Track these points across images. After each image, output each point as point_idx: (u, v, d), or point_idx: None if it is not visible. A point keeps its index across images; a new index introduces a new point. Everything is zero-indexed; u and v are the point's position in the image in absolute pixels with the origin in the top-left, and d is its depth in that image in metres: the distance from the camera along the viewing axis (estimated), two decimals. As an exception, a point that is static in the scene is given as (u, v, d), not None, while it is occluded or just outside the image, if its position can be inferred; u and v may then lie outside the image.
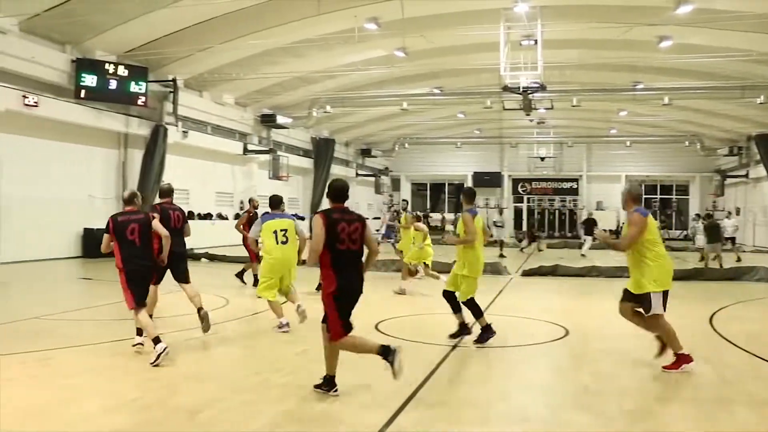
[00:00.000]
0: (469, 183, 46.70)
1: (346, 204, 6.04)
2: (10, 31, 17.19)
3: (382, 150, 44.49)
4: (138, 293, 7.33)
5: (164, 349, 6.86)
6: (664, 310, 6.80)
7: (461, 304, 8.40)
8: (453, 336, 8.39)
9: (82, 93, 19.59)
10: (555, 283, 15.72)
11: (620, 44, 21.05)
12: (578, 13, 19.42)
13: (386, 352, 5.74)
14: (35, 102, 18.00)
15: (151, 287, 7.84)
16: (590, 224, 25.32)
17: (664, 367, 6.81)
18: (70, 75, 19.48)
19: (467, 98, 29.11)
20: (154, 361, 6.77)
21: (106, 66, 20.10)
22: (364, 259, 6.16)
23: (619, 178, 41.94)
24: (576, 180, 45.31)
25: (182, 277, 8.56)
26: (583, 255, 23.80)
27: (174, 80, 22.67)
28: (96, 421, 5.17)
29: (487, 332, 8.23)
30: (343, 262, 5.83)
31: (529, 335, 9.18)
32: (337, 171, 38.94)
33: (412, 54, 22.50)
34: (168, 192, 9.26)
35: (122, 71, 20.43)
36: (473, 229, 8.15)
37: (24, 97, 17.74)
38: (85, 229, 20.28)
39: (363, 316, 9.99)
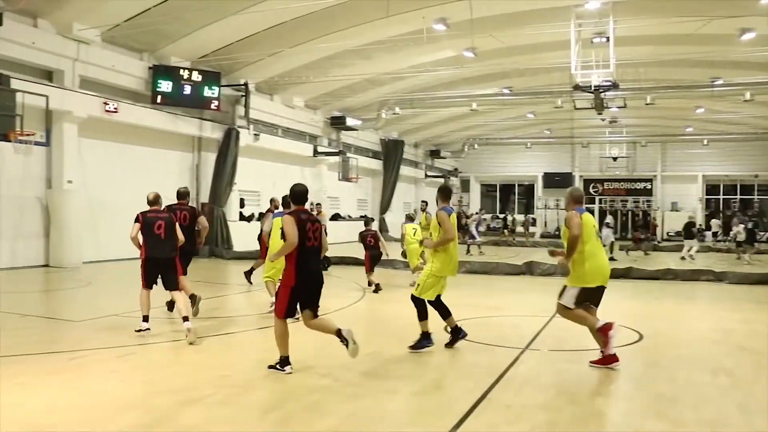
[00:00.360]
0: (539, 184, 46.17)
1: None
2: (93, 41, 17.92)
3: (451, 151, 44.34)
4: (150, 277, 8.79)
5: (148, 329, 8.39)
6: (596, 306, 7.23)
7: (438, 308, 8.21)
8: (449, 345, 8.09)
9: (159, 98, 20.26)
10: (628, 286, 15.33)
11: (697, 39, 20.37)
12: (653, 8, 18.88)
13: (340, 335, 6.66)
14: (115, 108, 18.69)
15: (182, 277, 9.25)
16: (690, 227, 24.49)
17: (591, 362, 7.17)
18: (147, 81, 20.19)
19: (537, 98, 28.68)
20: (138, 330, 8.36)
21: (181, 72, 20.70)
22: None
23: (695, 178, 40.66)
24: (650, 180, 44.02)
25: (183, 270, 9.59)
26: (683, 258, 23.14)
27: (246, 84, 23.15)
28: (174, 415, 5.33)
29: (457, 333, 8.05)
30: (306, 257, 6.63)
31: (601, 339, 8.98)
32: (406, 172, 39.06)
33: (481, 54, 22.35)
34: (183, 195, 10.59)
35: (196, 76, 21.01)
36: (449, 227, 7.80)
37: (105, 103, 18.47)
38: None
39: (433, 318, 9.99)
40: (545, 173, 45.57)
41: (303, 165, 30.10)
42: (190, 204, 10.77)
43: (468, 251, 25.10)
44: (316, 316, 6.88)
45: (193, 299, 9.43)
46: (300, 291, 6.67)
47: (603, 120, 34.64)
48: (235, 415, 5.37)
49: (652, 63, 24.16)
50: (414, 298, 7.97)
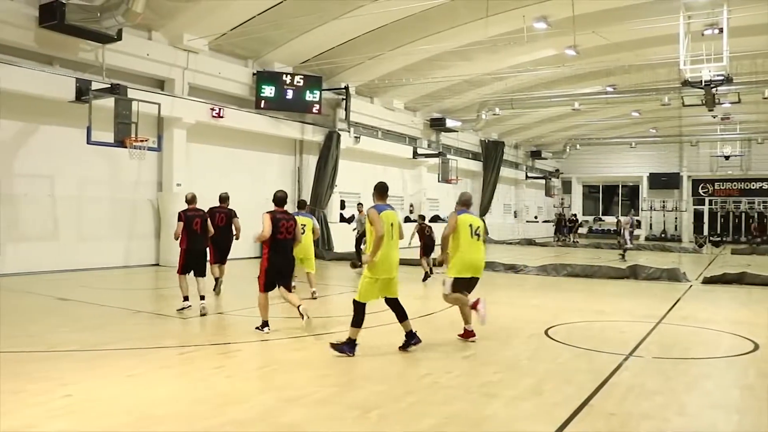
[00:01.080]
0: (644, 185, 44.62)
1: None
2: (201, 51, 18.74)
3: (552, 152, 43.49)
4: (187, 266, 10.47)
5: (189, 307, 10.32)
6: (469, 293, 8.49)
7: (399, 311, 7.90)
8: (402, 348, 7.80)
9: (262, 103, 20.93)
10: (742, 292, 14.57)
11: (821, 27, 19.09)
12: (772, -5, 17.85)
13: (299, 309, 8.66)
14: (221, 113, 19.43)
15: (216, 265, 12.27)
16: None
17: (459, 335, 8.54)
18: (251, 87, 20.90)
19: (642, 95, 27.64)
20: (180, 309, 10.34)
21: (284, 77, 21.28)
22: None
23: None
24: (767, 180, 41.62)
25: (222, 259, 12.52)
26: None
27: (346, 88, 23.51)
28: (275, 412, 5.47)
29: (410, 338, 7.78)
30: (277, 246, 8.67)
31: (711, 348, 8.61)
32: (506, 174, 38.61)
33: (584, 52, 21.77)
34: (224, 199, 12.89)
35: (298, 81, 21.53)
36: (379, 225, 7.47)
37: (212, 109, 19.26)
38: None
39: (533, 321, 9.84)
40: (651, 174, 44.00)
41: (402, 167, 30.29)
42: (229, 207, 12.83)
43: (623, 257, 23.91)
44: (289, 290, 9.03)
45: (217, 281, 12.37)
46: (272, 272, 8.67)
47: (714, 117, 32.99)
48: (336, 413, 5.46)
49: (770, 54, 22.84)
50: (354, 302, 7.59)
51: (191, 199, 11.05)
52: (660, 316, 10.76)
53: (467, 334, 8.51)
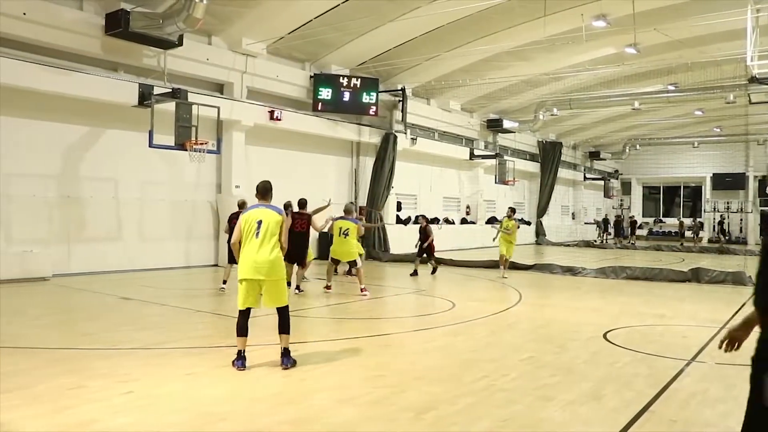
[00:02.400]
0: (707, 185, 43.46)
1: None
2: (260, 54, 19.03)
3: (612, 152, 42.73)
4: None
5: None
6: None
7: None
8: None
9: (319, 105, 21.11)
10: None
11: None
12: None
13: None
14: (279, 116, 19.69)
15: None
16: None
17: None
18: (308, 90, 21.12)
19: (706, 93, 26.84)
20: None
21: (341, 79, 21.43)
22: None
23: None
24: (838, 180, 39.93)
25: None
26: None
27: (403, 89, 23.54)
28: (331, 412, 5.52)
29: (237, 358, 6.89)
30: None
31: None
32: (564, 175, 38.12)
33: (644, 50, 21.30)
34: (303, 205, 13.76)
35: (355, 83, 21.66)
36: (237, 228, 7.12)
37: (270, 112, 19.54)
38: (321, 233, 21.68)
39: (591, 324, 9.69)
40: (714, 174, 42.84)
41: (459, 168, 30.18)
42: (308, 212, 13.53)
43: None
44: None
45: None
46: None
47: (783, 114, 31.91)
48: (390, 414, 5.47)
49: None
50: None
51: (242, 204, 11.93)
52: (724, 321, 10.45)
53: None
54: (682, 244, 33.92)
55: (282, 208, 7.44)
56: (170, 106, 15.51)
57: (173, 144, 15.23)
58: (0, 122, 14.42)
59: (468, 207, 30.96)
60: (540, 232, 35.56)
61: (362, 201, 23.61)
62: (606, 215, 42.78)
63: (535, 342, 8.67)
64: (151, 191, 17.30)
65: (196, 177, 18.46)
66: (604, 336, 8.97)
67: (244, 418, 5.30)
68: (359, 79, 21.73)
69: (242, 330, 6.96)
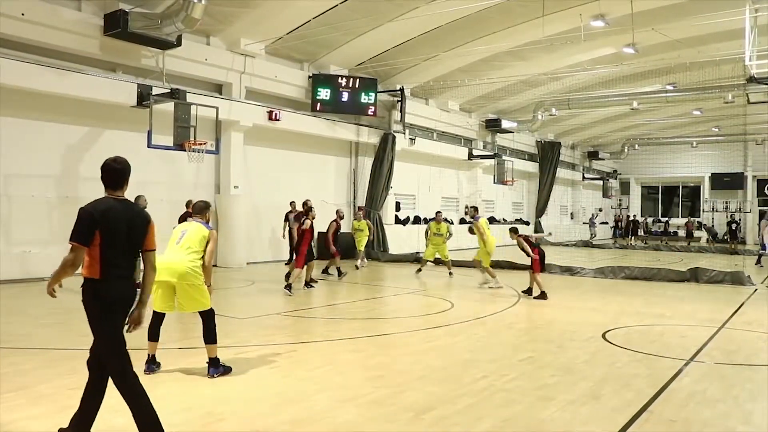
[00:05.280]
0: (706, 185, 43.50)
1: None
2: (258, 55, 19.04)
3: (610, 152, 42.76)
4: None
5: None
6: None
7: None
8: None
9: (318, 106, 21.12)
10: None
11: None
12: None
13: None
14: (278, 116, 19.69)
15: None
16: None
17: None
18: (307, 90, 21.12)
19: (705, 93, 26.85)
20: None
21: (339, 79, 21.44)
22: None
23: None
24: (837, 179, 39.94)
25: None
26: None
27: (401, 89, 23.53)
28: (331, 412, 5.53)
29: (151, 362, 6.85)
30: None
31: (778, 353, 8.32)
32: (562, 175, 38.14)
33: (643, 50, 21.34)
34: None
35: (353, 83, 21.67)
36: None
37: (268, 112, 19.54)
38: (319, 233, 21.69)
39: (591, 324, 9.72)
40: (713, 174, 42.83)
41: (458, 168, 30.20)
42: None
43: (759, 262, 22.35)
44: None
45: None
46: None
47: (781, 114, 31.92)
48: (390, 414, 5.48)
49: None
50: None
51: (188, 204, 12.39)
52: (723, 321, 10.48)
53: None
54: (689, 244, 34.00)
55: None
56: (169, 106, 15.50)
57: (172, 144, 15.23)
58: (0, 123, 14.41)
59: (467, 207, 30.97)
60: (538, 232, 35.56)
61: (361, 201, 23.60)
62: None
63: (534, 342, 8.69)
64: (150, 191, 17.17)
65: (195, 177, 18.44)
66: (603, 336, 8.99)
67: (244, 418, 5.31)
68: (358, 80, 21.74)
69: (151, 335, 6.89)
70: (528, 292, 13.29)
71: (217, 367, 6.68)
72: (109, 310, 4.57)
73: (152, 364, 6.78)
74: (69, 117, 15.69)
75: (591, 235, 39.52)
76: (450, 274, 17.40)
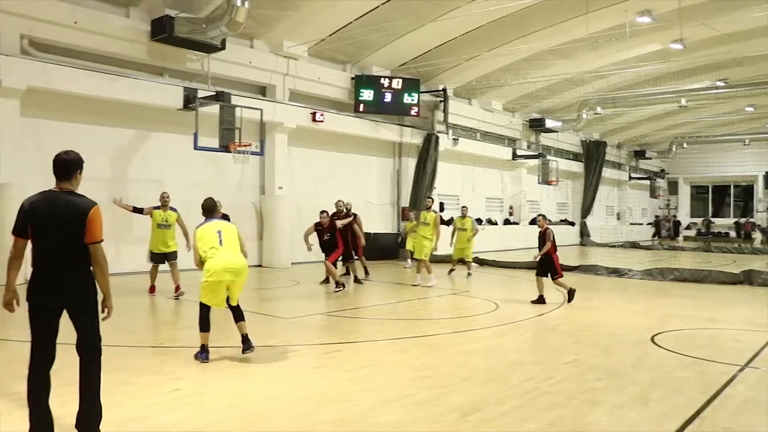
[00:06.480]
0: (759, 184, 42.40)
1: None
2: (301, 57, 19.21)
3: (657, 151, 41.97)
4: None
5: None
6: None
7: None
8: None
9: (361, 107, 21.19)
10: None
11: None
12: None
13: None
14: (321, 118, 19.80)
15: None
16: None
17: None
18: (349, 91, 21.21)
19: (757, 89, 26.15)
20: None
21: (382, 80, 21.47)
22: None
23: None
24: None
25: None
26: None
27: (444, 90, 23.47)
28: (375, 412, 5.51)
29: (201, 351, 7.29)
30: None
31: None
32: (608, 174, 37.57)
33: (691, 45, 20.85)
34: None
35: (396, 84, 21.67)
36: (195, 252, 7.62)
37: (312, 114, 19.66)
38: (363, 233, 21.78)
39: (638, 327, 9.52)
40: (767, 173, 41.60)
41: (502, 168, 29.99)
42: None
43: None
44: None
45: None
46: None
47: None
48: (435, 416, 5.44)
49: None
50: (200, 305, 7.46)
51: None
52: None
53: None
54: (741, 245, 33.16)
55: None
56: (214, 108, 15.72)
57: (217, 146, 15.46)
58: (52, 127, 14.80)
59: (511, 207, 30.73)
60: (584, 233, 35.10)
61: (405, 202, 23.56)
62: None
63: (579, 344, 8.55)
64: (196, 193, 17.46)
65: (240, 178, 18.67)
66: (652, 339, 8.79)
67: (288, 417, 5.33)
68: (400, 80, 21.73)
69: (206, 326, 7.30)
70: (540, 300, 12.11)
71: (249, 342, 7.31)
72: (32, 304, 4.49)
73: (205, 353, 7.20)
74: (117, 120, 16.06)
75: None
76: (469, 274, 17.12)
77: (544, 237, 12.15)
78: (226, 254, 7.32)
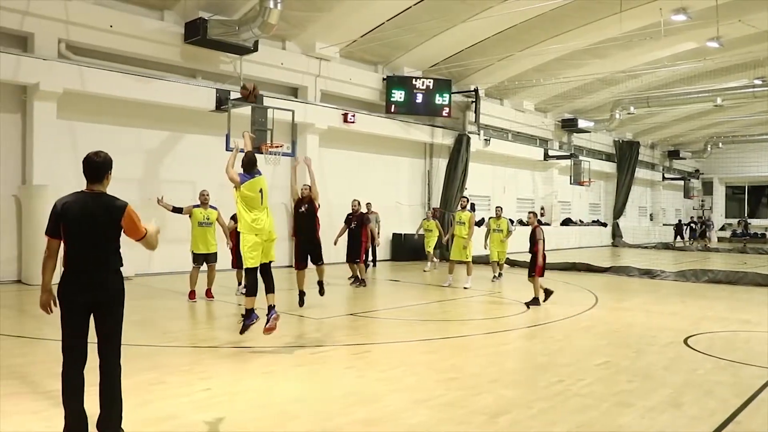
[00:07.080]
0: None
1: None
2: (333, 58, 19.33)
3: (692, 151, 41.35)
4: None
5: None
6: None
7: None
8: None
9: (392, 108, 21.22)
10: None
11: None
12: None
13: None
14: (352, 119, 19.87)
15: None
16: None
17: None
18: (381, 92, 21.26)
19: (796, 88, 25.72)
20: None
21: (413, 81, 21.48)
22: None
23: None
24: None
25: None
26: None
27: (476, 90, 23.38)
28: (404, 413, 5.53)
29: (248, 316, 7.97)
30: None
31: None
32: (641, 175, 37.14)
33: (728, 43, 20.49)
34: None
35: (427, 85, 21.66)
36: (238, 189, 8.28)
37: (343, 115, 19.75)
38: (394, 234, 21.81)
39: (671, 329, 9.42)
40: (805, 172, 40.82)
41: (533, 169, 29.81)
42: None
43: None
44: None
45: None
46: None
47: None
48: (463, 417, 5.44)
49: None
50: (246, 270, 8.19)
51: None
52: (816, 328, 9.97)
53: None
54: None
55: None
56: (246, 110, 15.86)
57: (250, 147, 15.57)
58: (87, 129, 15.06)
59: (542, 208, 30.51)
60: (616, 234, 34.73)
61: (435, 202, 23.53)
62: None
63: (611, 346, 8.47)
64: (228, 194, 17.60)
65: (272, 179, 18.56)
66: (684, 341, 8.68)
67: (317, 417, 5.37)
68: (432, 81, 21.72)
69: (255, 290, 7.93)
70: (534, 302, 11.87)
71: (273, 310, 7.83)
72: (64, 302, 4.51)
73: (255, 316, 7.83)
74: (150, 122, 16.30)
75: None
76: (499, 274, 16.53)
77: (534, 235, 12.06)
78: (264, 216, 8.02)
